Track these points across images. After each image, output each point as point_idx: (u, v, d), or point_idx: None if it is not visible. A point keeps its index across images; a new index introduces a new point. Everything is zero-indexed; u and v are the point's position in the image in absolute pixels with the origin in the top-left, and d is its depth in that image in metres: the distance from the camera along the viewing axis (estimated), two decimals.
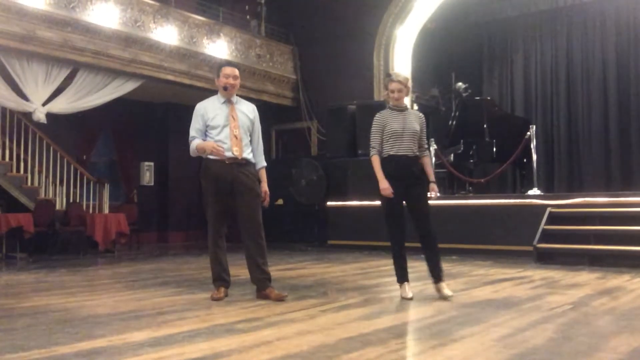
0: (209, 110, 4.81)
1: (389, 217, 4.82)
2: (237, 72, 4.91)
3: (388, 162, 4.77)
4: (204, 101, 4.94)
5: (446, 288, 4.78)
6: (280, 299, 4.65)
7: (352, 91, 11.57)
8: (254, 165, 4.90)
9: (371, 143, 4.84)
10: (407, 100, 12.35)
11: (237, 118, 4.80)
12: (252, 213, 4.77)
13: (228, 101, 4.86)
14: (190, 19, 10.58)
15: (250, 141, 4.90)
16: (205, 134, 4.79)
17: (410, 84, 4.79)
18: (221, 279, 4.88)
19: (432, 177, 4.94)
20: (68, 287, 5.71)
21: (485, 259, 8.21)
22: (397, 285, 4.86)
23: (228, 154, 4.70)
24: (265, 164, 5.03)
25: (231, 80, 4.84)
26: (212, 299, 4.74)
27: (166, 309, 4.35)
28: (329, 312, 4.21)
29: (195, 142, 4.76)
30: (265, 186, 4.92)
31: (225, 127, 4.74)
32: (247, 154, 4.82)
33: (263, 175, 4.97)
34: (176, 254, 10.16)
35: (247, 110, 4.92)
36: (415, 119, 4.88)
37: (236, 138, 4.73)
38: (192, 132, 4.81)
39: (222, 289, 4.85)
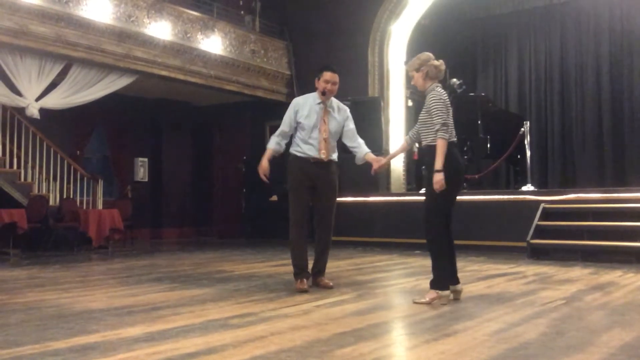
0: (305, 108, 5.02)
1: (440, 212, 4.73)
2: (337, 78, 5.07)
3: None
4: (302, 97, 5.19)
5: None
6: (327, 287, 5.01)
7: (347, 87, 11.51)
8: (336, 164, 5.14)
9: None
10: (402, 96, 12.27)
11: (327, 122, 5.00)
12: (328, 209, 5.07)
13: (323, 104, 5.04)
14: (184, 14, 10.54)
15: (347, 139, 5.12)
16: (295, 128, 5.04)
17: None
18: (304, 270, 5.01)
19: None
20: (61, 283, 5.69)
21: (479, 254, 8.23)
22: (391, 282, 4.86)
23: (316, 155, 4.95)
24: (368, 149, 5.14)
25: (329, 86, 5.01)
26: (297, 290, 4.86)
27: (160, 305, 4.34)
28: (323, 307, 4.22)
29: (269, 146, 5.14)
30: (375, 156, 5.08)
31: (315, 129, 4.96)
32: (334, 157, 5.08)
33: (372, 156, 5.08)
34: (170, 250, 10.15)
35: (339, 115, 5.10)
36: None
37: (325, 142, 4.97)
38: (283, 122, 5.10)
39: (305, 280, 4.96)
